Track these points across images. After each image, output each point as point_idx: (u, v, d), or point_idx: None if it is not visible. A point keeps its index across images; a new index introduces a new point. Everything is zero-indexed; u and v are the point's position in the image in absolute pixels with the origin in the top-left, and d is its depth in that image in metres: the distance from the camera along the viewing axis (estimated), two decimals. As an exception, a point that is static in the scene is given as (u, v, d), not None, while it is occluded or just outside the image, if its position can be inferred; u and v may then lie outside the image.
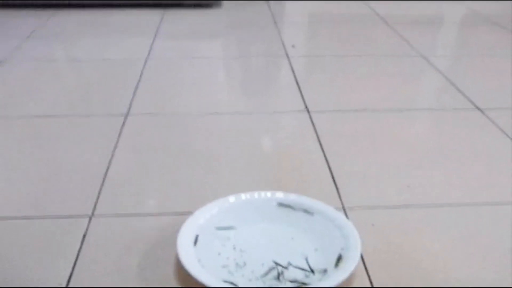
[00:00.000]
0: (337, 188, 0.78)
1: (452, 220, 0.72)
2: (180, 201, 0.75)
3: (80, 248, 0.65)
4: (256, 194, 0.71)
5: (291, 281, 0.58)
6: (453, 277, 0.61)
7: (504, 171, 0.84)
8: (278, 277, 0.59)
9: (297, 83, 1.18)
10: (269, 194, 0.71)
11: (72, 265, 0.62)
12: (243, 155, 0.88)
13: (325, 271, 0.59)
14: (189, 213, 0.67)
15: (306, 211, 0.68)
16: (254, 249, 0.64)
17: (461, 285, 0.59)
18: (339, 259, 0.60)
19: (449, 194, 0.78)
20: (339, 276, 0.56)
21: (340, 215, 0.67)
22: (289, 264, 0.61)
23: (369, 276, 0.60)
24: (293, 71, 1.25)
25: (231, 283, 0.57)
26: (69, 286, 0.58)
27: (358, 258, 0.59)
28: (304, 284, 0.57)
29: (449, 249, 0.66)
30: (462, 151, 0.91)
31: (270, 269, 0.60)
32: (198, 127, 0.97)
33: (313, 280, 0.58)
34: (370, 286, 0.59)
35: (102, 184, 0.79)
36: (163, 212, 0.73)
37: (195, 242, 0.63)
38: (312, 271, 0.59)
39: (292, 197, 0.70)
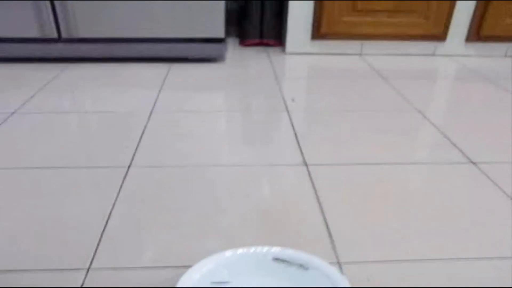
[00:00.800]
0: (332, 243, 0.80)
1: (448, 275, 0.73)
2: (178, 254, 0.77)
3: (79, 301, 0.66)
4: (252, 249, 0.72)
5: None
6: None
7: (498, 225, 0.86)
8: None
9: (296, 137, 1.22)
10: (265, 249, 0.72)
11: (70, 318, 0.63)
12: (241, 208, 0.90)
13: (319, 327, 0.60)
14: (187, 267, 0.69)
15: (301, 266, 0.70)
16: (250, 304, 0.65)
17: None
18: (333, 315, 0.61)
19: (445, 248, 0.79)
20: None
21: (335, 271, 0.68)
22: (284, 319, 0.62)
23: (362, 333, 0.61)
24: (292, 125, 1.29)
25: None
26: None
27: (351, 314, 0.60)
28: None
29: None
30: (457, 205, 0.93)
31: (265, 325, 0.61)
32: (199, 179, 1.00)
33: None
34: None
35: (101, 236, 0.81)
36: (161, 266, 0.74)
37: (192, 296, 0.64)
38: (306, 327, 0.60)
39: (288, 252, 0.72)
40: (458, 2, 1.97)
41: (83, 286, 0.69)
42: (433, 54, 2.11)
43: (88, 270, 0.73)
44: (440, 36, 2.04)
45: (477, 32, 2.02)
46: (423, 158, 1.13)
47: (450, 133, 1.26)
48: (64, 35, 1.80)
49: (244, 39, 2.21)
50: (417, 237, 0.82)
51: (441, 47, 2.10)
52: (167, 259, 0.76)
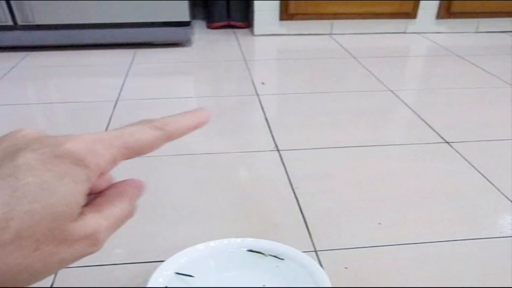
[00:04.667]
0: (308, 231, 0.77)
1: (426, 258, 0.72)
2: (150, 249, 0.73)
3: (42, 307, 0.62)
4: (225, 241, 0.69)
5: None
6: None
7: (474, 205, 0.85)
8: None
9: (267, 121, 1.18)
10: (239, 240, 0.70)
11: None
12: (213, 199, 0.87)
13: (296, 321, 0.58)
14: (159, 262, 0.65)
15: (276, 257, 0.67)
16: (225, 300, 0.62)
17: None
18: (310, 307, 0.58)
19: (421, 231, 0.78)
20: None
21: (311, 261, 0.65)
22: (260, 314, 0.59)
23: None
24: (263, 110, 1.26)
25: None
26: None
27: (329, 306, 0.58)
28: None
29: (421, 290, 0.65)
30: (432, 186, 0.91)
31: (241, 321, 0.58)
32: (169, 169, 0.96)
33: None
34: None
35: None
36: (132, 262, 0.70)
37: (163, 294, 0.61)
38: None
39: (262, 243, 0.69)
40: (427, -21, 1.96)
41: (53, 286, 0.65)
42: (404, 32, 2.10)
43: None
44: (411, 13, 2.02)
45: (448, 9, 2.02)
46: (397, 140, 1.11)
47: (423, 113, 1.25)
48: (19, 21, 1.71)
49: (211, 22, 2.15)
50: (394, 220, 0.81)
51: (412, 25, 2.08)
52: (138, 255, 0.72)
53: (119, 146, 0.25)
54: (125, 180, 0.28)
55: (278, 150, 1.04)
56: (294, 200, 0.86)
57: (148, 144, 0.27)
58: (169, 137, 0.28)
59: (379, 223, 0.79)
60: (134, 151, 0.27)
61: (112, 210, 0.26)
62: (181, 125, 0.28)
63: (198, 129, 0.29)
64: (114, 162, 0.25)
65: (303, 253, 0.67)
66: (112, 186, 0.27)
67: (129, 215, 0.28)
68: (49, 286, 0.66)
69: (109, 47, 1.83)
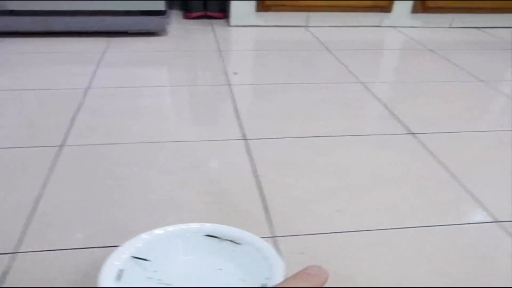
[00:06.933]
0: (268, 217, 0.79)
1: (382, 245, 0.73)
2: (112, 234, 0.74)
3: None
4: (184, 226, 0.70)
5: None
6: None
7: (432, 194, 0.87)
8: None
9: (236, 111, 1.19)
10: (197, 225, 0.70)
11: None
12: (177, 186, 0.87)
13: (248, 302, 0.59)
14: (118, 246, 0.66)
15: (233, 241, 0.68)
16: (181, 282, 0.63)
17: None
18: (262, 289, 0.60)
19: (379, 218, 0.80)
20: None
21: (267, 245, 0.66)
22: (214, 296, 0.60)
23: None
24: (233, 99, 1.26)
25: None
26: None
27: (280, 288, 0.59)
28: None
29: (379, 275, 0.67)
30: (393, 175, 0.93)
31: (195, 303, 0.59)
32: (136, 157, 0.96)
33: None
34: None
35: (31, 219, 0.76)
36: (92, 246, 0.71)
37: (119, 277, 0.62)
38: (236, 303, 0.59)
39: (220, 228, 0.70)
40: (402, -26, 1.98)
41: (9, 271, 0.65)
42: (379, 26, 2.12)
43: (14, 254, 0.69)
44: (386, 7, 2.04)
45: (423, 4, 2.04)
46: (363, 130, 1.13)
47: (392, 105, 1.27)
48: (-8, 7, 1.68)
49: (188, 12, 2.15)
50: (353, 207, 0.82)
51: (387, 19, 2.11)
52: (99, 240, 0.72)
53: None
54: None
55: (245, 139, 1.05)
56: (256, 187, 0.87)
57: None
58: None
59: (338, 210, 0.81)
60: None
61: None
62: None
63: None
64: None
65: (260, 238, 0.68)
66: None
67: None
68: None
69: (83, 35, 1.81)
